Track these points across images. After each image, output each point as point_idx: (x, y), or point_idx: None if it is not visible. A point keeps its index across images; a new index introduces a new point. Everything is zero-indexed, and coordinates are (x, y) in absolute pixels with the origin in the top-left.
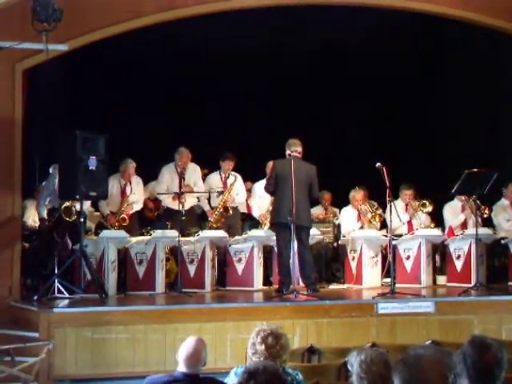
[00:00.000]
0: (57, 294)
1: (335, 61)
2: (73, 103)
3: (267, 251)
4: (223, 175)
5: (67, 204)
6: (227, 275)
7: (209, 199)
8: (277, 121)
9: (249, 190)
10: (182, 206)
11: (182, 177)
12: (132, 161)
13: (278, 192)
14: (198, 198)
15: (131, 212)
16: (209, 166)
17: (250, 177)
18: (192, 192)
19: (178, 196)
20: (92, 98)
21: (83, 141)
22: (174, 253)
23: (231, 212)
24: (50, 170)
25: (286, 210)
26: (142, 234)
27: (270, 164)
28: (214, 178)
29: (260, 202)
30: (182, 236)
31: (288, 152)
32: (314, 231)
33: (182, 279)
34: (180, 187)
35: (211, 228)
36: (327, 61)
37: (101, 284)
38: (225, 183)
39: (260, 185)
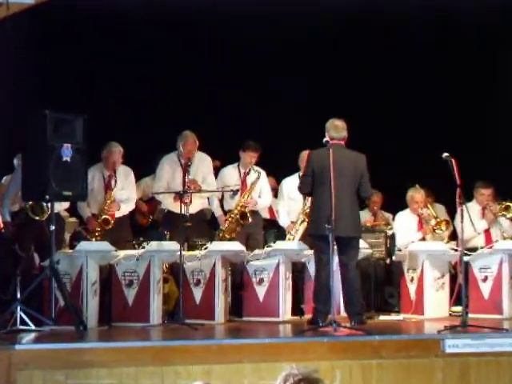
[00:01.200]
0: (20, 326)
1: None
2: (42, 75)
3: (297, 270)
4: (243, 170)
5: None
6: (244, 301)
7: (221, 200)
8: (313, 97)
9: (273, 190)
10: (186, 210)
11: (186, 170)
12: (117, 144)
13: (316, 193)
14: (207, 198)
15: (119, 215)
16: (222, 157)
17: (275, 172)
18: (199, 191)
19: (181, 196)
20: (67, 67)
21: (55, 123)
22: (175, 271)
23: (250, 219)
24: (15, 162)
25: (326, 216)
26: (133, 247)
27: (305, 155)
28: (230, 173)
29: (290, 205)
30: (187, 249)
31: (328, 138)
32: (360, 244)
33: (185, 307)
34: (184, 184)
35: (223, 239)
36: (387, 52)
37: (77, 312)
38: (244, 181)
39: (289, 182)
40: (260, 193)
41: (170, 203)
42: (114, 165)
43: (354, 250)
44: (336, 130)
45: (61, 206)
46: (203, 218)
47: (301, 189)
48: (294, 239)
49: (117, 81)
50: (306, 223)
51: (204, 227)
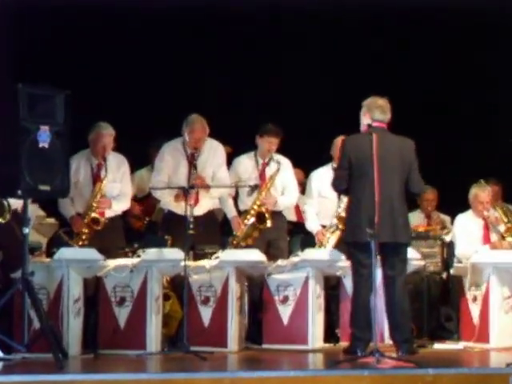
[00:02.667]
0: None
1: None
2: (15, 40)
3: (331, 286)
4: (260, 160)
5: None
6: (264, 325)
7: (236, 199)
8: (345, 73)
9: (301, 185)
10: (191, 211)
11: (192, 162)
12: (108, 126)
13: (353, 189)
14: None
15: (110, 214)
16: (236, 144)
17: (303, 162)
18: (208, 187)
19: (185, 193)
20: (46, 32)
21: (30, 100)
22: (178, 287)
23: (269, 222)
24: None
25: (368, 218)
26: (126, 256)
27: (339, 142)
28: (245, 164)
29: (321, 204)
30: (193, 259)
31: (367, 121)
32: (409, 253)
33: (191, 330)
34: (189, 178)
35: (238, 246)
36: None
37: (56, 337)
38: (262, 173)
39: (320, 175)
40: (283, 189)
41: (170, 202)
42: (103, 151)
43: (402, 261)
44: (380, 110)
45: (32, 206)
46: (213, 220)
47: (334, 185)
48: (325, 246)
49: (106, 48)
50: (339, 231)
51: (214, 232)
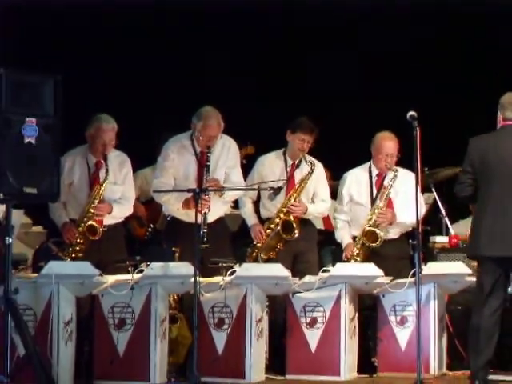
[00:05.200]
0: None
1: None
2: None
3: (367, 306)
4: (290, 160)
5: None
6: (289, 352)
7: (257, 203)
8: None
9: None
10: (203, 217)
11: (204, 161)
12: (110, 119)
13: (478, 196)
14: (232, 200)
15: (110, 222)
16: (257, 142)
17: (332, 163)
18: (221, 189)
19: (195, 197)
20: (34, 11)
21: (14, 87)
22: (187, 307)
23: (297, 232)
24: None
25: (490, 229)
26: (126, 270)
27: (380, 139)
28: (272, 164)
29: (354, 212)
30: (203, 275)
31: (500, 119)
32: (459, 268)
33: (202, 358)
34: (200, 180)
35: (257, 260)
36: None
37: (44, 365)
38: (291, 175)
39: (352, 178)
40: (314, 195)
41: (176, 209)
42: (104, 148)
43: None
44: None
45: (15, 213)
46: (224, 229)
47: (456, 190)
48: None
49: (105, 28)
50: (364, 247)
51: (225, 242)
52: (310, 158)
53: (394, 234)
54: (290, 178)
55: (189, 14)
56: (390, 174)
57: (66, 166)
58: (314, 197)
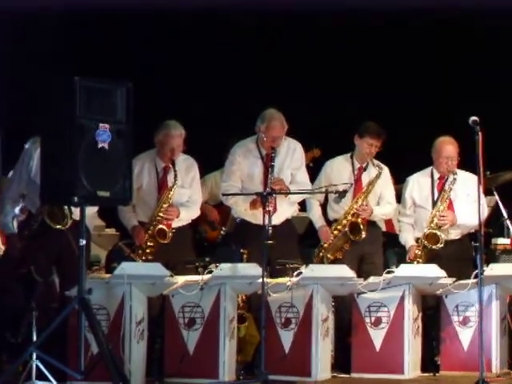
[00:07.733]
0: (36, 381)
1: None
2: (67, 28)
3: (429, 307)
4: (358, 164)
5: None
6: (354, 351)
7: (324, 206)
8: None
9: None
10: (269, 219)
11: (269, 164)
12: (178, 125)
13: None
14: (299, 202)
15: (178, 224)
16: (324, 145)
17: (392, 166)
18: (287, 193)
19: (263, 199)
20: (103, 18)
21: (87, 95)
22: (254, 307)
23: (364, 234)
24: (26, 146)
25: None
26: (196, 271)
27: (440, 144)
28: (340, 167)
29: (418, 215)
30: (270, 276)
31: None
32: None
33: (269, 357)
34: (265, 183)
35: (325, 261)
36: None
37: (117, 363)
38: (359, 178)
39: (415, 182)
40: (380, 198)
41: (244, 210)
42: (172, 153)
43: None
44: None
45: (88, 210)
46: (291, 230)
47: None
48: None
49: (173, 36)
50: (426, 249)
51: (293, 244)
52: (376, 161)
53: (455, 235)
54: (358, 181)
55: (251, 19)
56: (451, 177)
57: (135, 170)
58: (380, 199)
